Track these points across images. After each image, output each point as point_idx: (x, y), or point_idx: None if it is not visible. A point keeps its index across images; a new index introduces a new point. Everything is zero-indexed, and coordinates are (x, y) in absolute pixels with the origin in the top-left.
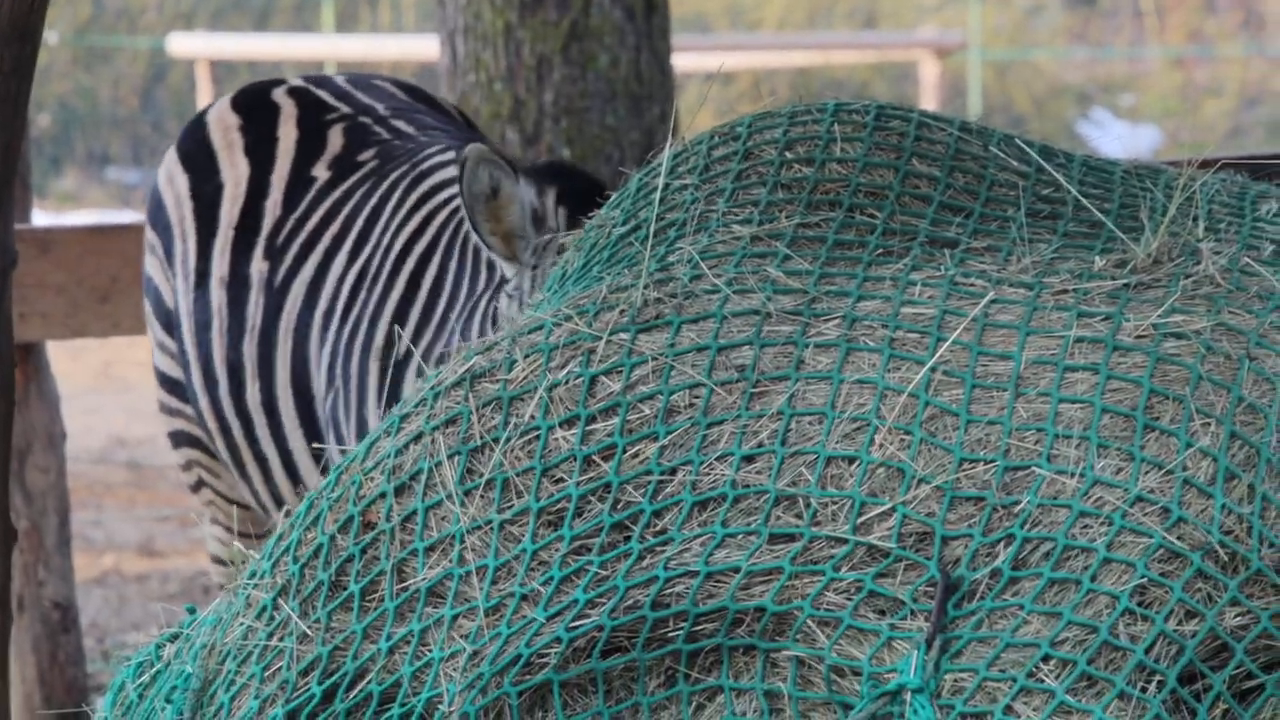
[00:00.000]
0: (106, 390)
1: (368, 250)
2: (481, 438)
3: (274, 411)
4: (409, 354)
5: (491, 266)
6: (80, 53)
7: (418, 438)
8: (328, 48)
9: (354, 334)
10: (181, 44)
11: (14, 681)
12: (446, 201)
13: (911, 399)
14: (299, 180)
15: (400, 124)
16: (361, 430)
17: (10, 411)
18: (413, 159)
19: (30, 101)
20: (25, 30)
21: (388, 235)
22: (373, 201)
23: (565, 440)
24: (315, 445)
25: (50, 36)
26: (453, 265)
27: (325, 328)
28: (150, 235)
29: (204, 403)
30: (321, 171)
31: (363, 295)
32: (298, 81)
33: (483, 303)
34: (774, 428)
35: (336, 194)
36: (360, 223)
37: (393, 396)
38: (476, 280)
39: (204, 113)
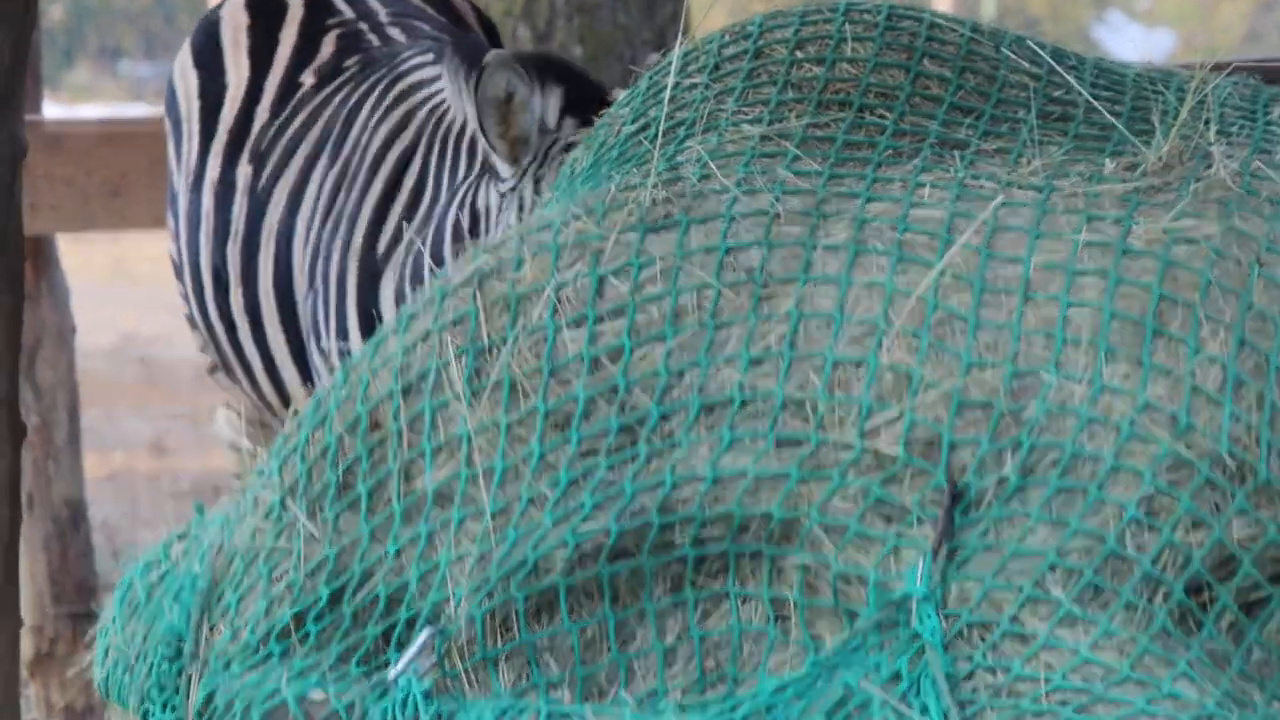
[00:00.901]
0: (118, 286)
1: (345, 152)
2: (489, 338)
3: (257, 317)
4: (389, 252)
5: (472, 154)
6: None
7: (425, 337)
8: None
9: (334, 234)
10: None
11: (24, 579)
12: (424, 100)
13: (920, 303)
14: (288, 87)
15: (395, 31)
16: (341, 331)
17: (20, 305)
18: (391, 63)
19: None
20: None
21: (365, 135)
22: (350, 105)
23: (573, 342)
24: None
25: None
26: (433, 160)
27: (307, 231)
28: (166, 124)
29: (193, 305)
30: (308, 78)
31: (341, 196)
32: None
33: (462, 191)
34: (782, 331)
35: (317, 100)
36: (338, 127)
37: (369, 297)
38: (456, 173)
39: (219, 7)
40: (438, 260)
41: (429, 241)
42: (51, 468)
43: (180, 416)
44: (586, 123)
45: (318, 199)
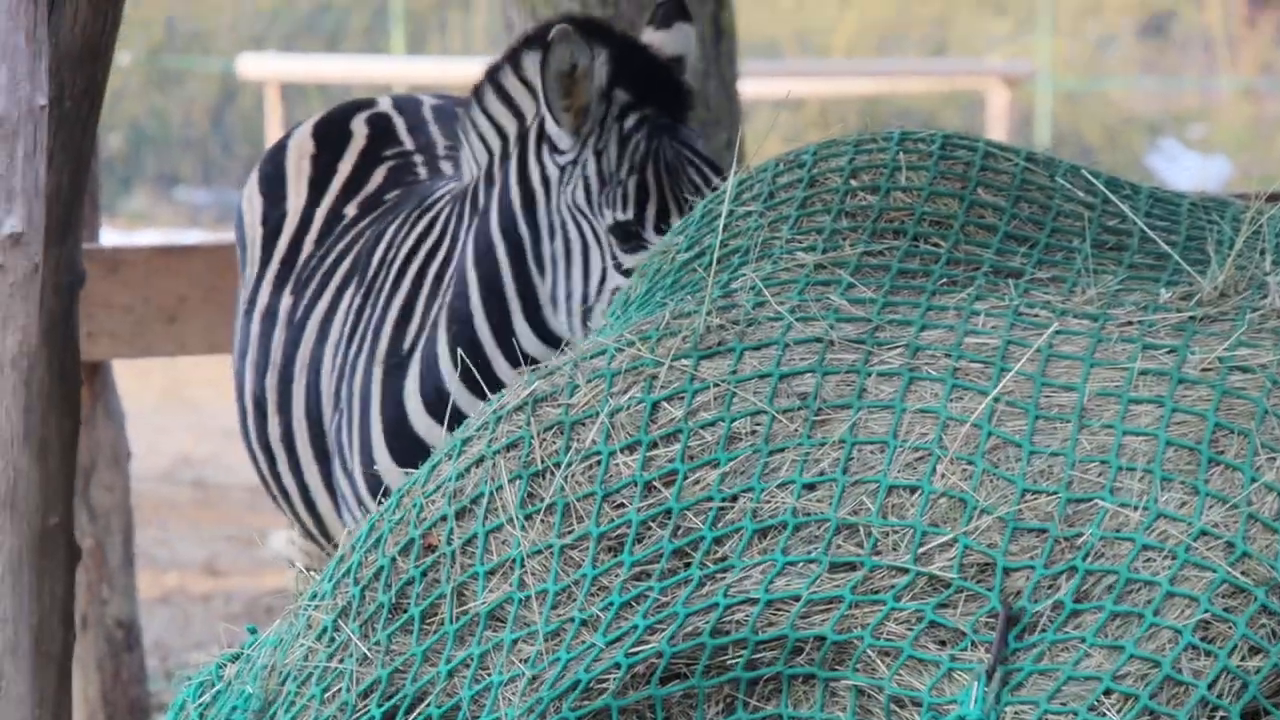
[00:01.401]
0: (172, 410)
1: (371, 273)
2: (543, 462)
3: (292, 446)
4: (414, 344)
5: (476, 201)
6: (152, 74)
7: (479, 461)
8: (398, 70)
9: (358, 351)
10: (251, 66)
11: (77, 700)
12: (447, 198)
13: (974, 429)
14: (334, 217)
15: (447, 165)
16: (365, 445)
17: (76, 429)
18: (425, 192)
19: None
20: (97, 52)
21: (390, 252)
22: (379, 231)
23: (627, 466)
24: (366, 469)
25: (123, 58)
26: (458, 244)
27: (334, 356)
28: (237, 248)
29: (241, 431)
30: (351, 209)
31: (366, 313)
32: (382, 107)
33: (499, 176)
34: (836, 456)
35: (354, 231)
36: (365, 254)
37: (393, 398)
38: (475, 212)
39: (287, 135)
40: (486, 258)
41: (471, 242)
42: (105, 589)
43: (233, 538)
44: (637, 87)
45: (345, 323)
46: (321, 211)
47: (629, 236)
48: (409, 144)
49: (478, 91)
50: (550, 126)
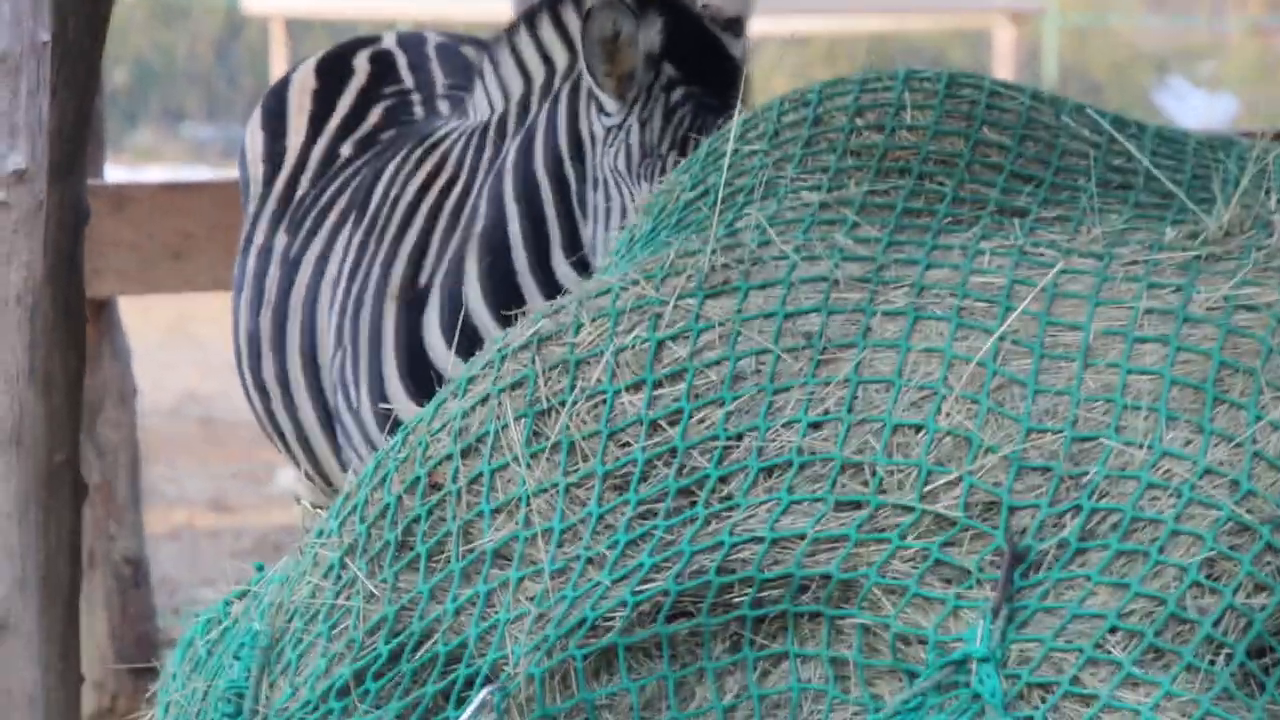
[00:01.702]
0: (179, 346)
1: (371, 209)
2: (548, 401)
3: (287, 385)
4: (429, 287)
5: (501, 139)
6: (157, 8)
7: (484, 400)
8: (403, 6)
9: (364, 286)
10: (257, 1)
11: (85, 636)
12: (458, 136)
13: (979, 368)
14: (330, 156)
15: (444, 105)
16: (375, 384)
17: (82, 367)
18: (421, 133)
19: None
20: None
21: (394, 189)
22: (375, 170)
23: (632, 405)
24: (383, 405)
25: None
26: (477, 180)
27: (333, 293)
28: (241, 185)
29: (236, 369)
30: (347, 149)
31: (370, 250)
32: (386, 44)
33: (551, 118)
34: (841, 395)
35: (349, 171)
36: (363, 193)
37: (411, 336)
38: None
39: (293, 69)
40: (529, 191)
41: (510, 174)
42: (113, 525)
43: (240, 474)
44: (687, 61)
45: (343, 260)
46: (318, 150)
47: None
48: (409, 82)
49: (530, 18)
50: (595, 90)
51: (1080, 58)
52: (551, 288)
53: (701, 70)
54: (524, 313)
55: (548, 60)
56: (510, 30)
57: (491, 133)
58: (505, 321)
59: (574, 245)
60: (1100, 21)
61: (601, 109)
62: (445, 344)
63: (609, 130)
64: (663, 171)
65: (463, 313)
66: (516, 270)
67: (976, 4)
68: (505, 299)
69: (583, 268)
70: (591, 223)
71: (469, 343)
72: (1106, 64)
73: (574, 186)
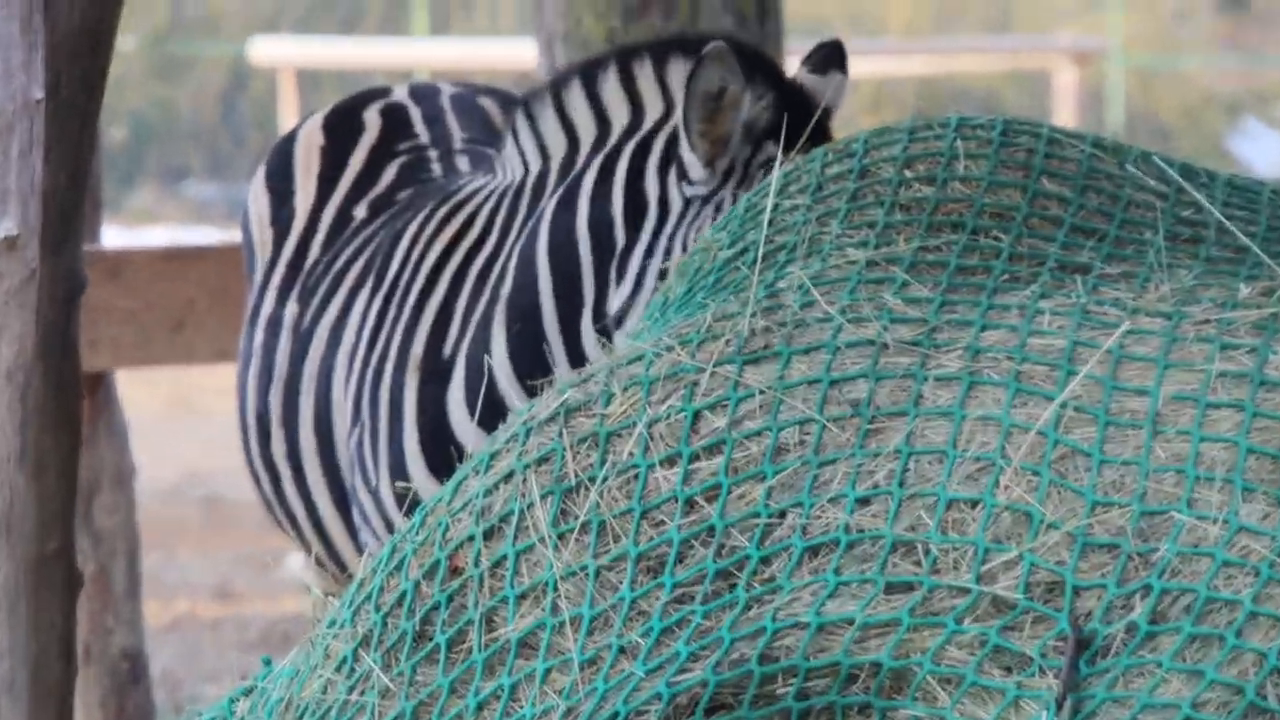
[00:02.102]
0: (180, 421)
1: (391, 275)
2: (576, 477)
3: (299, 465)
4: (453, 357)
5: (537, 199)
6: (157, 61)
7: (508, 477)
8: (420, 54)
9: (384, 357)
10: (264, 50)
11: None
12: (486, 196)
13: (1040, 437)
14: (343, 218)
15: (463, 161)
16: (394, 462)
17: (76, 447)
18: (444, 192)
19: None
20: (97, 39)
21: (416, 251)
22: (394, 233)
23: (666, 480)
24: (400, 484)
25: (125, 44)
26: (507, 243)
27: (350, 366)
28: (243, 249)
29: (241, 449)
30: (361, 211)
31: (390, 316)
32: (398, 96)
33: (609, 179)
34: (891, 468)
35: (364, 234)
36: (380, 257)
37: (434, 410)
38: (525, 221)
39: (298, 126)
40: (566, 249)
41: (546, 231)
42: (109, 618)
43: (247, 559)
44: (792, 141)
45: (360, 330)
46: (329, 212)
47: None
48: (424, 137)
49: (588, 72)
50: (684, 152)
51: (1148, 101)
52: (578, 353)
53: (804, 137)
54: (550, 382)
55: (603, 118)
56: (557, 84)
57: (527, 193)
58: (533, 392)
59: (599, 312)
60: (1169, 63)
61: (685, 175)
62: (469, 419)
63: (690, 201)
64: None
65: (486, 383)
66: (546, 336)
67: (1035, 44)
68: (533, 368)
69: (608, 335)
70: (629, 287)
71: (495, 417)
72: (1176, 107)
73: (619, 251)
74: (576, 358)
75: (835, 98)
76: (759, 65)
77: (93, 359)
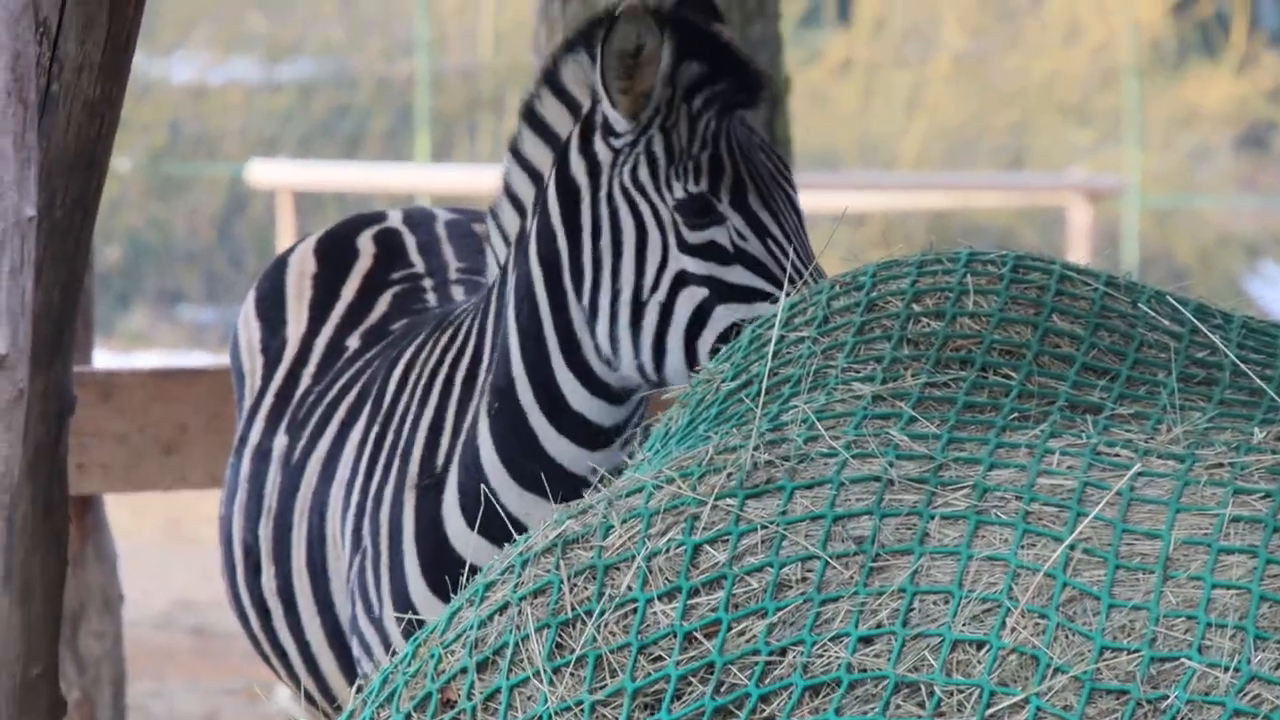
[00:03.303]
0: (171, 548)
1: (387, 401)
2: (573, 610)
3: (291, 600)
4: (447, 466)
5: (504, 286)
6: (154, 181)
7: (503, 608)
8: (421, 179)
9: (383, 482)
10: (263, 172)
11: None
12: (468, 309)
13: (1048, 579)
14: (334, 349)
15: (459, 290)
16: (397, 585)
17: (63, 572)
18: (439, 319)
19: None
20: (91, 158)
21: (413, 375)
22: (390, 361)
23: (665, 615)
24: (398, 615)
25: (122, 164)
26: (486, 339)
27: (346, 496)
28: (232, 377)
29: (225, 585)
30: (354, 341)
31: (389, 443)
32: (392, 222)
33: (541, 180)
34: (895, 607)
35: (357, 365)
36: (375, 386)
37: (431, 523)
38: (503, 314)
39: (289, 251)
40: (526, 301)
41: (511, 296)
42: None
43: (236, 691)
44: (705, 64)
45: (356, 461)
46: (322, 341)
47: (701, 210)
48: (419, 265)
49: (512, 141)
50: (606, 109)
51: (1163, 241)
52: (562, 418)
53: (719, 71)
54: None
55: (534, 173)
56: (503, 173)
57: (495, 286)
58: (522, 476)
59: (572, 344)
60: (1185, 202)
61: (610, 131)
62: (467, 527)
63: (618, 151)
64: (696, 169)
65: (481, 486)
66: (524, 409)
67: (1050, 181)
68: (519, 448)
69: (586, 376)
70: (590, 279)
71: (492, 520)
72: (1192, 248)
73: (565, 257)
74: (560, 419)
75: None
76: (670, 17)
77: (82, 482)
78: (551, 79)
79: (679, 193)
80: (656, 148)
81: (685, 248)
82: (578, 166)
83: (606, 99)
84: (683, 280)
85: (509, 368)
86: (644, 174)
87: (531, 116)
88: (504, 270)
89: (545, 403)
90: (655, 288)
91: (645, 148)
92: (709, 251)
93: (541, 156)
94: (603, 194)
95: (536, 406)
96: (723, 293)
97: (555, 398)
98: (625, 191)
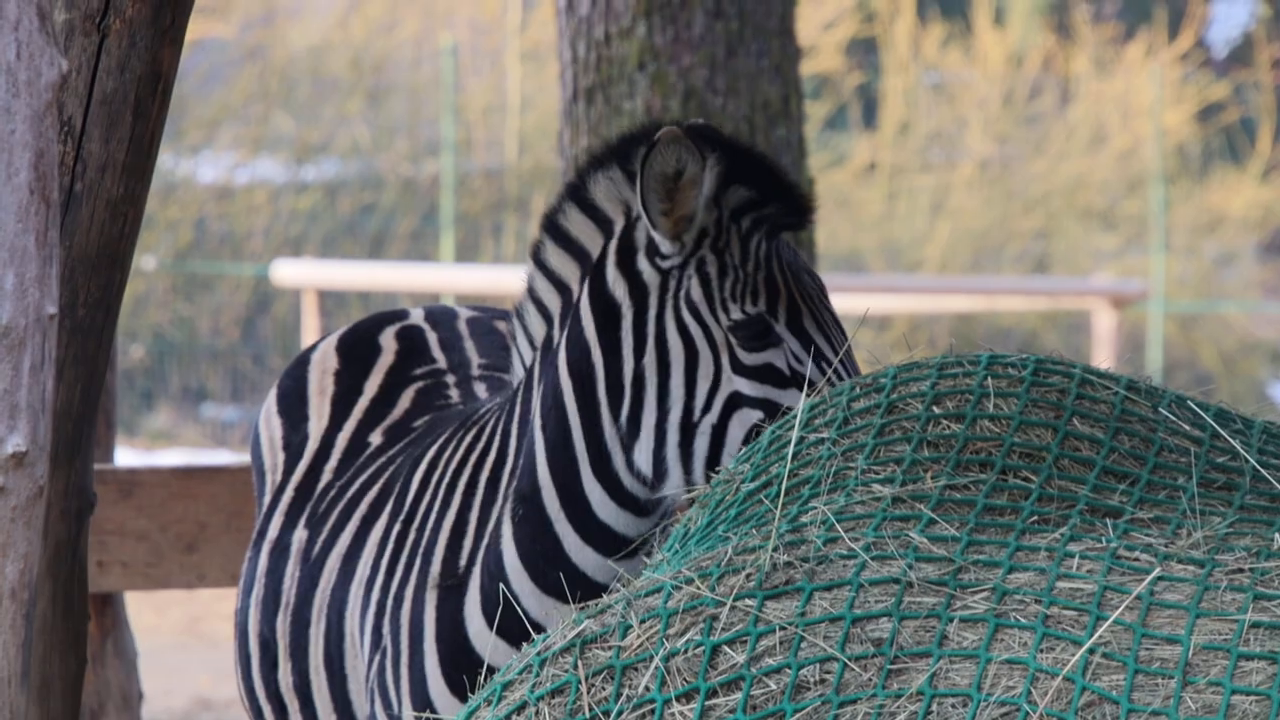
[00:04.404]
0: (191, 647)
1: (409, 503)
2: (590, 710)
3: (308, 697)
4: (469, 568)
5: (530, 390)
6: (179, 279)
7: (521, 708)
8: (446, 279)
9: (404, 582)
10: (288, 271)
11: None
12: (492, 409)
13: (1067, 683)
14: (357, 445)
15: (480, 387)
16: (416, 683)
17: (82, 669)
18: (463, 416)
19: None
20: (114, 256)
21: (433, 474)
22: (413, 459)
23: (683, 715)
24: (416, 715)
25: (147, 262)
26: (511, 442)
27: (366, 595)
28: (253, 474)
29: (239, 677)
30: (376, 438)
31: (410, 541)
32: (414, 319)
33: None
34: (913, 709)
35: (380, 462)
36: (399, 483)
37: (453, 626)
38: (529, 406)
39: (311, 348)
40: (554, 411)
41: (538, 403)
42: None
43: None
44: (753, 187)
45: (377, 558)
46: (343, 437)
47: (760, 333)
48: (441, 361)
49: (535, 248)
50: (650, 231)
51: (1188, 346)
52: (587, 527)
53: (770, 193)
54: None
55: (561, 285)
56: (527, 278)
57: (520, 390)
58: (545, 582)
59: (603, 458)
60: (1210, 307)
61: (656, 252)
62: (488, 629)
63: (667, 273)
64: (754, 291)
65: (504, 589)
66: (549, 515)
67: (1074, 286)
68: (542, 554)
69: (615, 489)
70: (630, 400)
71: (513, 623)
72: (1216, 353)
73: (601, 373)
74: (585, 527)
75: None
76: (709, 138)
77: (102, 579)
78: (577, 194)
79: (736, 314)
80: (710, 268)
81: (740, 369)
82: (617, 285)
83: (648, 221)
84: (736, 402)
85: (534, 475)
86: (697, 294)
87: (555, 229)
88: (529, 374)
89: (571, 511)
90: (707, 409)
91: (698, 268)
92: (765, 374)
93: (567, 268)
94: (650, 314)
95: (562, 514)
96: (778, 416)
97: (582, 507)
98: (678, 312)
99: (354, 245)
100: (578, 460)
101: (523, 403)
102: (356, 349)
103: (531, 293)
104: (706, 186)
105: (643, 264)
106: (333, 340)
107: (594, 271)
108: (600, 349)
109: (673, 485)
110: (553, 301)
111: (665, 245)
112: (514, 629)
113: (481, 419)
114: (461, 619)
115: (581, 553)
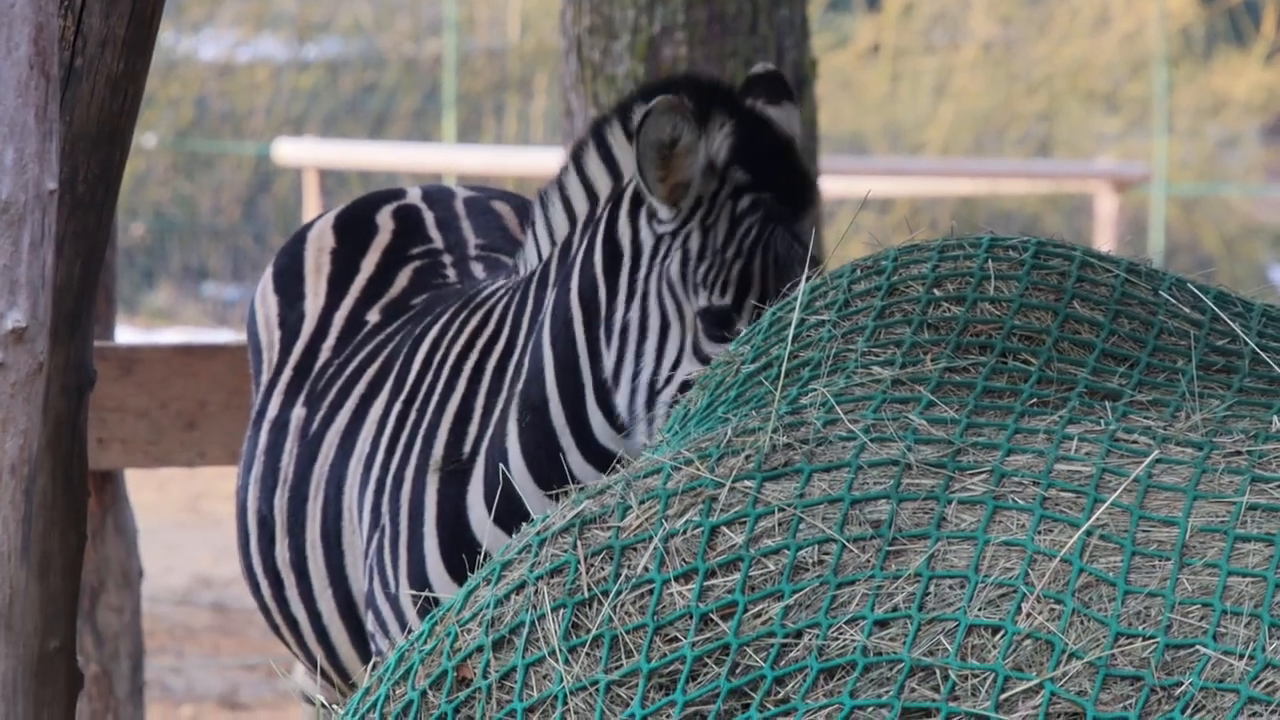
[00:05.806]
0: (192, 525)
1: (410, 382)
2: (589, 590)
3: (304, 572)
4: (473, 456)
5: (543, 288)
6: (180, 158)
7: (520, 587)
8: (447, 159)
9: (404, 461)
10: (289, 151)
11: None
12: (504, 292)
13: (1064, 565)
14: (354, 323)
15: (478, 267)
16: (415, 564)
17: (82, 545)
18: (462, 295)
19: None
20: (115, 132)
21: (436, 354)
22: (413, 335)
23: (681, 596)
24: (413, 593)
25: (148, 139)
26: (520, 335)
27: (366, 472)
28: (249, 352)
29: (239, 555)
30: (374, 315)
31: (411, 421)
32: (411, 198)
33: (585, 237)
34: (911, 590)
35: (378, 339)
36: (399, 361)
37: (454, 510)
38: (542, 303)
39: (308, 226)
40: (564, 332)
41: (549, 316)
42: None
43: (254, 667)
44: (757, 166)
45: (377, 435)
46: (340, 315)
47: (720, 324)
48: (438, 241)
49: (578, 148)
50: (646, 195)
51: (1189, 229)
52: (589, 447)
53: (772, 177)
54: (565, 492)
55: (591, 192)
56: (561, 170)
57: (534, 283)
58: (548, 486)
59: (604, 388)
60: (1212, 190)
61: (654, 215)
62: (488, 518)
63: (660, 238)
64: (724, 283)
65: (502, 483)
66: (555, 430)
67: (1076, 168)
68: (547, 461)
69: (613, 418)
70: (616, 346)
71: (513, 514)
72: (1218, 236)
73: (603, 310)
74: (587, 447)
75: (791, 128)
76: (717, 98)
77: (102, 457)
78: (625, 116)
79: (703, 301)
80: (692, 246)
81: (700, 356)
82: (624, 231)
83: (645, 187)
84: (689, 386)
85: (543, 388)
86: (674, 271)
87: (600, 140)
88: (545, 268)
89: (575, 429)
90: (667, 382)
91: (682, 243)
92: None
93: (601, 180)
94: (640, 274)
95: (568, 430)
96: None
97: (585, 430)
98: (659, 281)
99: (355, 124)
100: (583, 386)
101: (535, 298)
102: (353, 227)
103: (562, 188)
104: (705, 153)
105: (643, 222)
106: (329, 218)
107: (613, 204)
108: (605, 288)
109: (636, 440)
110: (580, 205)
111: (662, 210)
112: (513, 523)
113: (488, 302)
114: (464, 505)
115: (584, 468)
